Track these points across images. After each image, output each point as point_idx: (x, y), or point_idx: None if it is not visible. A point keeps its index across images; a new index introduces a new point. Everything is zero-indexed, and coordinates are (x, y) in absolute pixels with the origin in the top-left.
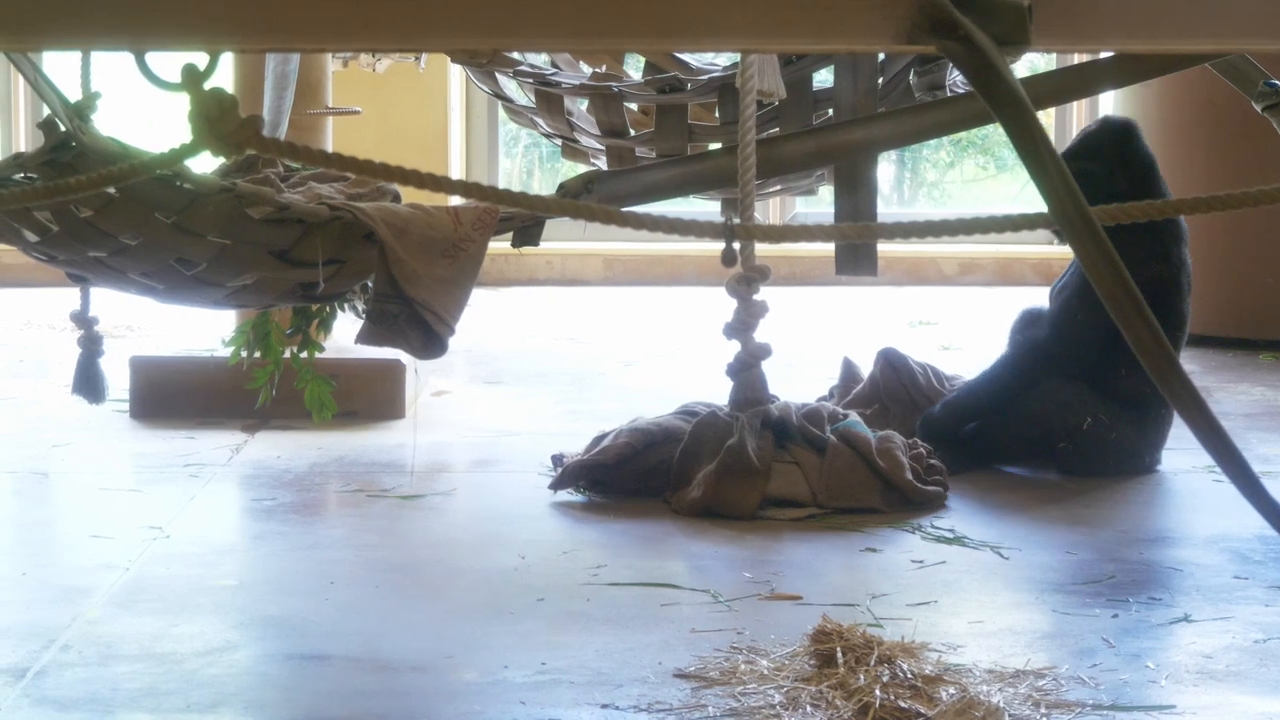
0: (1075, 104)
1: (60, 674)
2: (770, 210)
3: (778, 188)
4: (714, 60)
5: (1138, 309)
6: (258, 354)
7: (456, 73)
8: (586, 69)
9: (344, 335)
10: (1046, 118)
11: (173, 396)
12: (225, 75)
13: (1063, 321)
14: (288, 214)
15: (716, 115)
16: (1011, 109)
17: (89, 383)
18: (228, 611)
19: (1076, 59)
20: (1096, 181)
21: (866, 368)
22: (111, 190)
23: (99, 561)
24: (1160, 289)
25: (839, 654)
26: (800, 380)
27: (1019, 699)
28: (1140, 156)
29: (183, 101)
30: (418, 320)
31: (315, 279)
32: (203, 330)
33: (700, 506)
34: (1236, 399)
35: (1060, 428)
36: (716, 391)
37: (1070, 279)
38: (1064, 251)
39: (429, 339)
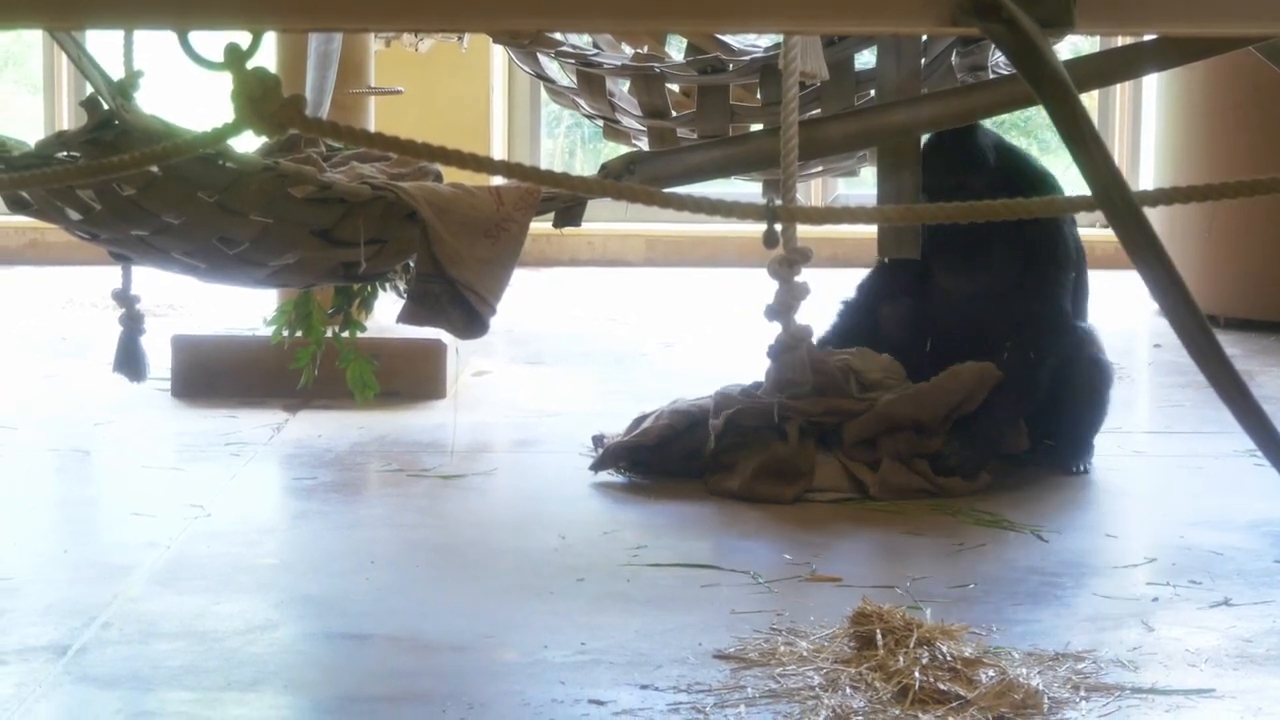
0: (1118, 86)
1: (101, 651)
2: (812, 192)
3: (820, 169)
4: (756, 41)
5: (1180, 292)
6: (299, 333)
7: (499, 53)
8: (628, 50)
9: (385, 315)
10: (1089, 100)
11: (214, 375)
12: (268, 55)
13: None
14: (330, 193)
15: (758, 96)
16: (1055, 91)
17: (130, 361)
18: (268, 590)
19: (1120, 41)
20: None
21: None
22: (154, 169)
23: (140, 540)
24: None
25: (879, 636)
26: None
27: (1058, 682)
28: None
29: (226, 81)
30: (459, 300)
31: (357, 258)
32: (244, 309)
33: (737, 496)
34: (1279, 382)
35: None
36: (757, 373)
37: None
38: (1107, 235)
39: (470, 319)
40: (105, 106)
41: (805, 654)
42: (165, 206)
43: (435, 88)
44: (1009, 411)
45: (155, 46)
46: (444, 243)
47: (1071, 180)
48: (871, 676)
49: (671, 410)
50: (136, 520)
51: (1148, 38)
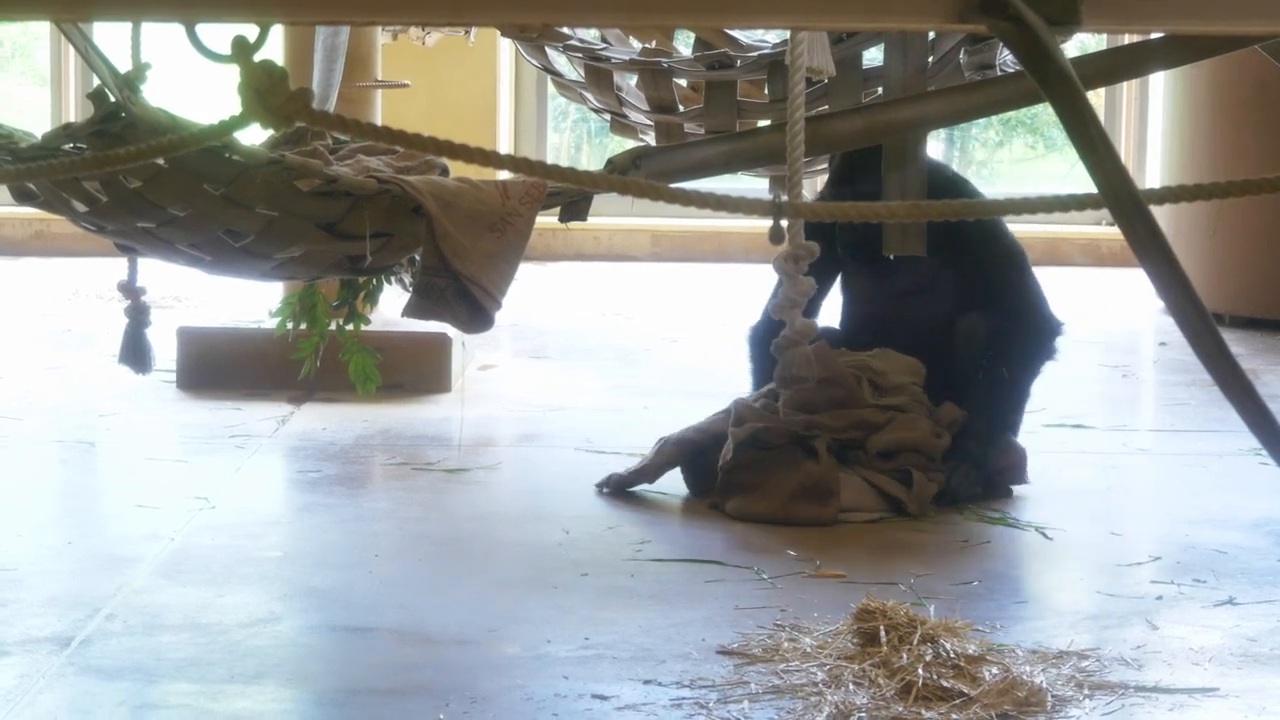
0: (1125, 85)
1: (105, 643)
2: (818, 188)
3: (826, 165)
4: (763, 37)
5: (1186, 290)
6: (304, 326)
7: (506, 47)
8: (636, 44)
9: (390, 308)
10: (1096, 98)
11: (219, 367)
12: (275, 47)
13: None
14: (336, 186)
15: (766, 92)
16: (1061, 89)
17: (135, 353)
18: (272, 583)
19: (1127, 39)
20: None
21: None
22: (160, 161)
23: (144, 531)
24: None
25: (882, 633)
26: None
27: (1062, 680)
28: None
29: (233, 73)
30: (465, 294)
31: (362, 252)
32: (250, 302)
33: (769, 520)
34: None
35: None
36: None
37: None
38: (1113, 233)
39: (476, 313)
40: (112, 99)
41: (809, 650)
42: (171, 199)
43: (442, 81)
44: (1001, 424)
45: (162, 39)
46: (449, 237)
47: (1078, 178)
48: (875, 673)
49: (679, 437)
50: (141, 512)
51: (1154, 36)
